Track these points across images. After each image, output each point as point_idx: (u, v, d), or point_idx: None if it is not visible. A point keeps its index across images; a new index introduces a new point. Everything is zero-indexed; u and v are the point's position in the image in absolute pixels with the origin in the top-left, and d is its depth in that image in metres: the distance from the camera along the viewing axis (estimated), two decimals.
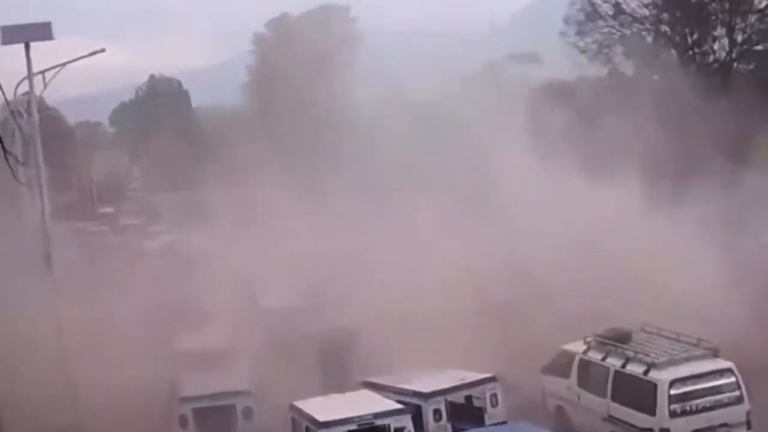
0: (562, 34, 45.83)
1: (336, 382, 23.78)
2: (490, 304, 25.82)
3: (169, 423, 23.68)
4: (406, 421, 19.86)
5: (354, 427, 19.44)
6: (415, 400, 20.97)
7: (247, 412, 23.49)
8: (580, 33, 45.60)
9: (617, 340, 22.07)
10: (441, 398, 21.18)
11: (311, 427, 19.89)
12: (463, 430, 20.70)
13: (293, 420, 21.02)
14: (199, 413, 23.24)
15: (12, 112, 27.64)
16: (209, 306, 27.56)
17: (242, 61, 51.26)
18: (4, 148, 21.16)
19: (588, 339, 22.81)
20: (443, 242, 28.04)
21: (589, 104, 37.40)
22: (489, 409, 21.51)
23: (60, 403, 24.33)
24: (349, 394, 21.89)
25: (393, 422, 19.69)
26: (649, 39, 45.36)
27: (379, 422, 19.62)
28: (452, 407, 21.31)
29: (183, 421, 23.31)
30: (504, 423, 21.14)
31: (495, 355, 23.10)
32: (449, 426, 21.03)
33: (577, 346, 23.05)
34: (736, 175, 33.94)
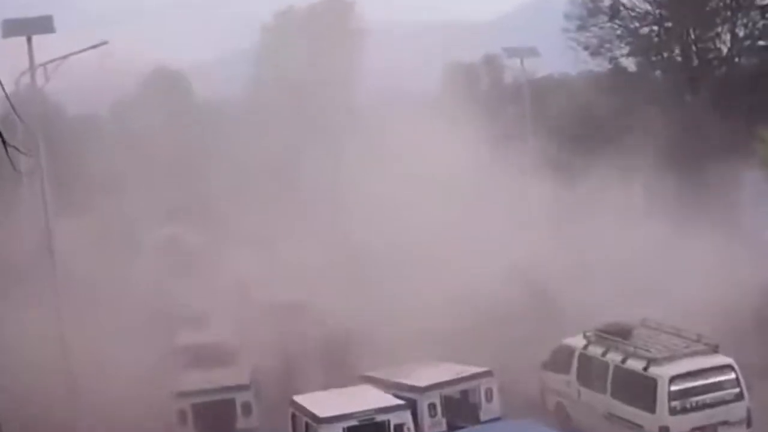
0: (564, 30, 45.65)
1: (336, 376, 23.74)
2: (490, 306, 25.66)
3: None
4: (406, 417, 19.75)
5: (354, 422, 19.33)
6: (410, 394, 20.88)
7: (247, 407, 23.41)
8: (581, 28, 45.46)
9: (617, 334, 21.79)
10: (436, 392, 21.10)
11: (311, 423, 19.76)
12: (458, 426, 20.53)
13: (293, 415, 20.88)
14: (198, 408, 23.14)
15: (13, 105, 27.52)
16: (208, 302, 27.48)
17: (248, 54, 51.17)
18: (4, 141, 21.09)
19: (588, 334, 22.50)
20: (442, 238, 27.97)
21: (589, 99, 37.37)
22: (484, 404, 21.43)
23: (59, 399, 24.22)
24: (349, 389, 21.71)
25: (393, 418, 19.59)
26: (652, 35, 45.22)
27: (379, 418, 19.49)
28: (447, 402, 21.23)
29: (182, 416, 23.20)
30: (498, 419, 21.07)
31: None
32: (444, 420, 20.93)
33: (577, 341, 22.73)
34: (739, 171, 33.86)
